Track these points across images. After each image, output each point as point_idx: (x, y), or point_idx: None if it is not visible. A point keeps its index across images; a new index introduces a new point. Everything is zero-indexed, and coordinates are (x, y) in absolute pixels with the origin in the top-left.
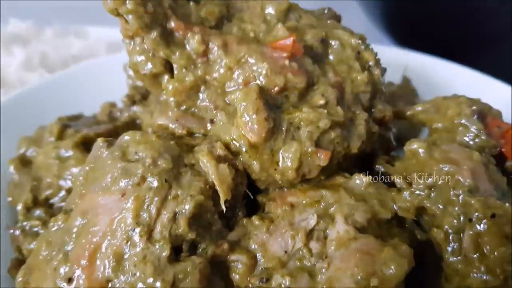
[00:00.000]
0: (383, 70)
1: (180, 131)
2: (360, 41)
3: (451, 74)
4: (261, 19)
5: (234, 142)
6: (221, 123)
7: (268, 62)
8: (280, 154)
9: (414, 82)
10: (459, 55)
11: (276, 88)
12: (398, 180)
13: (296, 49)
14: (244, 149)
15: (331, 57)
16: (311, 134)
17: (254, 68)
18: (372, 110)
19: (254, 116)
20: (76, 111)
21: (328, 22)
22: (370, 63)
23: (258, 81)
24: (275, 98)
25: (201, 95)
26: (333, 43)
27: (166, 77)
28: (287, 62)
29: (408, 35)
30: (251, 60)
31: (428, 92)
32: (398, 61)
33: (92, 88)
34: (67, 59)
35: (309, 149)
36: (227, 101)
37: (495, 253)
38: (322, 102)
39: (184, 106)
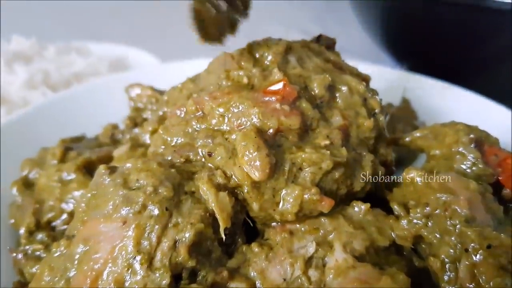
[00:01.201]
0: (386, 116)
1: (178, 160)
2: (366, 88)
3: (451, 96)
4: (250, 62)
5: (234, 178)
6: (219, 158)
7: (258, 107)
8: (281, 196)
9: (413, 103)
10: (459, 77)
11: (271, 130)
12: (396, 207)
13: (288, 92)
14: (245, 190)
15: (339, 101)
16: (314, 176)
17: (246, 113)
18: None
19: (255, 153)
20: (78, 132)
21: (331, 57)
22: (376, 110)
23: (252, 124)
24: (273, 138)
25: (196, 134)
26: (342, 88)
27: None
28: (278, 105)
29: (407, 54)
30: (242, 106)
31: (428, 114)
32: (398, 82)
33: (94, 108)
34: (70, 77)
35: (314, 197)
36: (226, 138)
37: (491, 283)
38: (326, 142)
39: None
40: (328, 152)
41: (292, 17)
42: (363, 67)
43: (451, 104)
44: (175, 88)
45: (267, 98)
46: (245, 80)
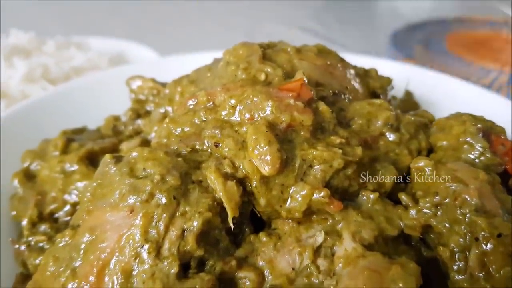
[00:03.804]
0: None
1: (184, 150)
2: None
3: (452, 88)
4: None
5: (242, 169)
6: (227, 149)
7: (273, 100)
8: (290, 193)
9: (416, 96)
10: None
11: (283, 124)
12: (404, 198)
13: (304, 91)
14: (254, 184)
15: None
16: (324, 174)
17: (260, 106)
18: None
19: (266, 148)
20: (79, 124)
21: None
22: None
23: (264, 117)
24: (284, 133)
25: (203, 124)
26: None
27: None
28: (292, 101)
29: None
30: (256, 99)
31: (430, 106)
32: (401, 75)
33: (94, 101)
34: (69, 71)
35: (323, 199)
36: (235, 130)
37: (501, 272)
38: (340, 141)
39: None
40: (340, 150)
41: (292, 16)
42: (365, 61)
43: (453, 95)
44: (176, 91)
45: (282, 94)
46: (262, 77)
